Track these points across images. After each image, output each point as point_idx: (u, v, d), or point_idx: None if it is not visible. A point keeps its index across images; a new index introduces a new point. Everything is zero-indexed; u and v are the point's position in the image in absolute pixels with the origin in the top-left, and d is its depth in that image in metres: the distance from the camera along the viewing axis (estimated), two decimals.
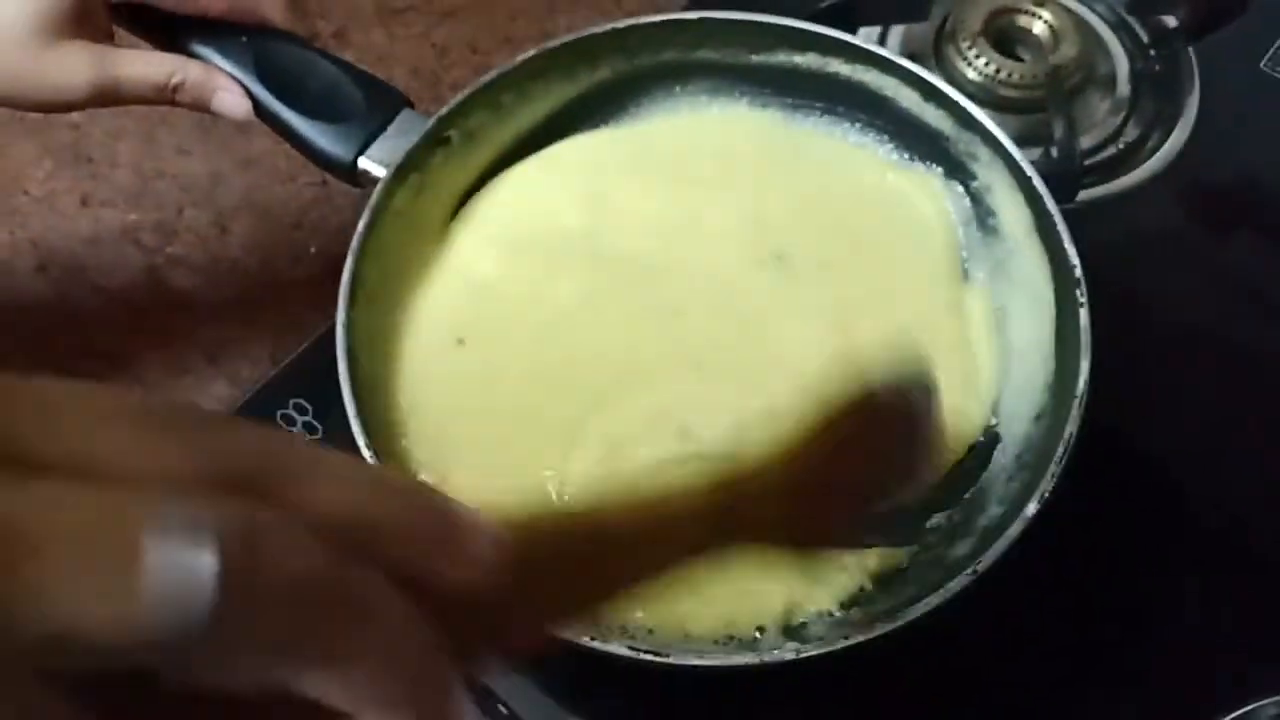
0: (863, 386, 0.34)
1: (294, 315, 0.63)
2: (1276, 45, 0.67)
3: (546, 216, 0.53)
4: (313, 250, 0.65)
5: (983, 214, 0.53)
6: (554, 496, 0.45)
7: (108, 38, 0.46)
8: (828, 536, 0.34)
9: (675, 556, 0.28)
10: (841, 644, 0.38)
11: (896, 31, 0.65)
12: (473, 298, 0.51)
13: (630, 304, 0.50)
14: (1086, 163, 0.60)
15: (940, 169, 0.54)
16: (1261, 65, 0.67)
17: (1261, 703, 0.46)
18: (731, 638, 0.43)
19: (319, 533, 0.18)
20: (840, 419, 0.33)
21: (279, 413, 0.55)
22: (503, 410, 0.47)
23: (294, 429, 0.54)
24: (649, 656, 0.38)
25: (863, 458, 0.33)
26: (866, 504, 0.34)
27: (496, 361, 0.49)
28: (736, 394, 0.47)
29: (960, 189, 0.54)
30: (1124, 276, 0.57)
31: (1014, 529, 0.40)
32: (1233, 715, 0.46)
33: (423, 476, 0.46)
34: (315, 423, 0.54)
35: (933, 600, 0.38)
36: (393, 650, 0.19)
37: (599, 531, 0.27)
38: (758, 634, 0.43)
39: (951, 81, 0.61)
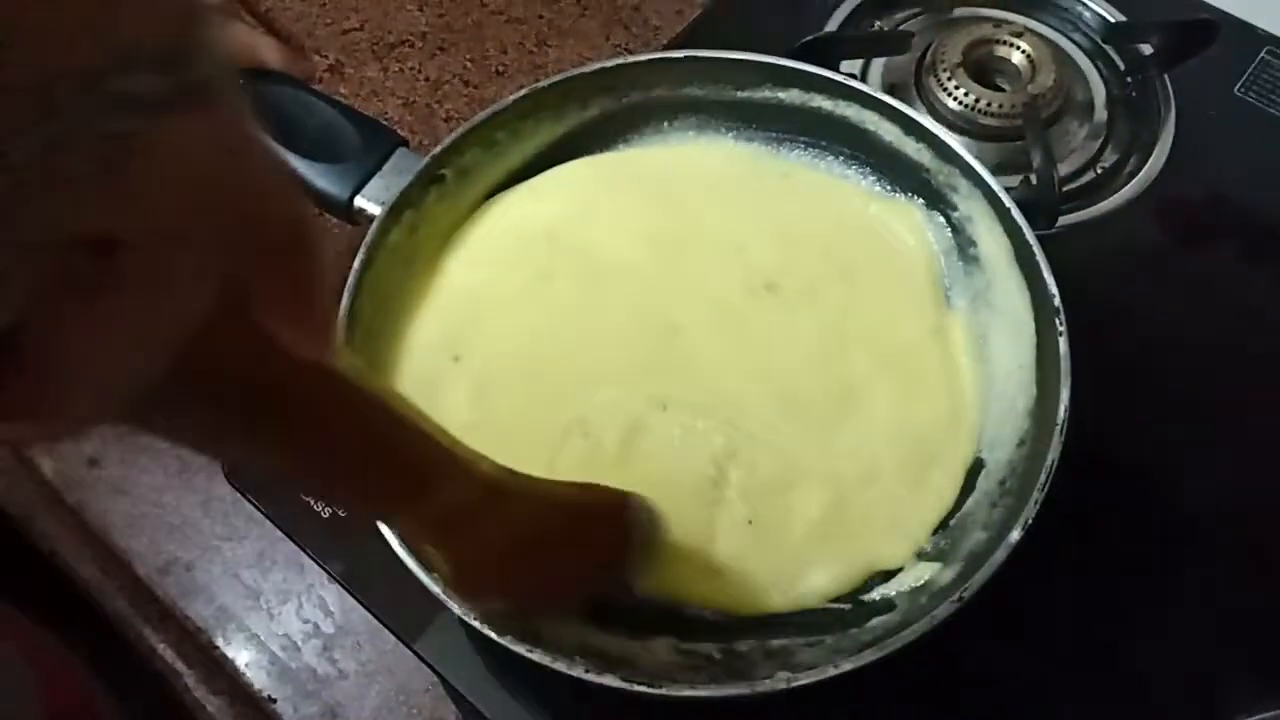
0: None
1: None
2: (1249, 71, 0.69)
3: (538, 231, 0.54)
4: None
5: (964, 243, 0.54)
6: None
7: None
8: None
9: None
10: (831, 672, 0.38)
11: (878, 65, 0.66)
12: (467, 313, 0.52)
13: (623, 313, 0.52)
14: (1066, 188, 0.61)
15: (922, 200, 0.55)
16: (1235, 91, 0.68)
17: (1248, 719, 0.47)
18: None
19: None
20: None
21: None
22: (497, 421, 0.48)
23: None
24: (641, 688, 0.39)
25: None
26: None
27: (490, 373, 0.50)
28: (724, 407, 0.48)
29: (941, 220, 0.55)
30: (1105, 298, 0.58)
31: (999, 555, 0.41)
32: None
33: None
34: None
35: (919, 627, 0.39)
36: None
37: None
38: None
39: (932, 112, 0.63)
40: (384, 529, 0.42)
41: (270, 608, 0.58)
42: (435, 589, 0.41)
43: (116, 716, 0.56)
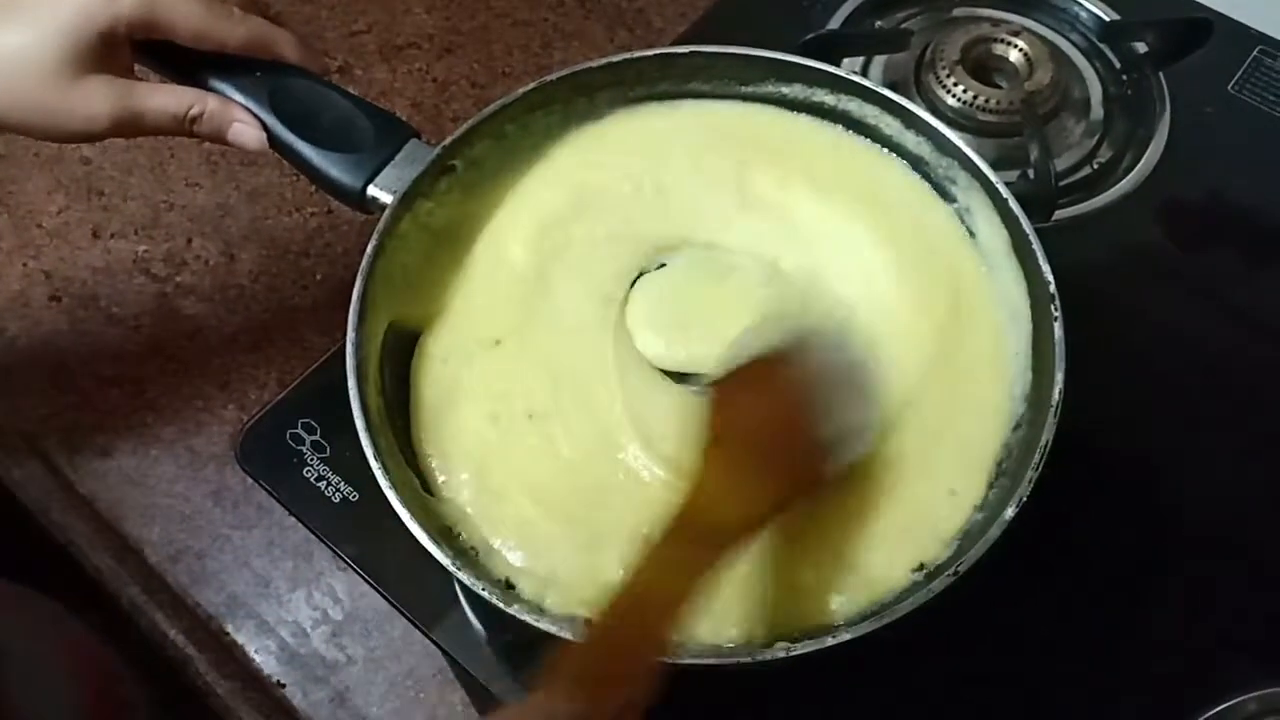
0: (770, 347, 0.41)
1: (301, 340, 0.65)
2: (1243, 70, 0.70)
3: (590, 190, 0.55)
4: (319, 277, 0.67)
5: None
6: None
7: (128, 72, 0.48)
8: (799, 480, 0.40)
9: (705, 571, 0.35)
10: (830, 642, 0.39)
11: (878, 62, 0.68)
12: (509, 297, 0.52)
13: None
14: (1062, 183, 0.62)
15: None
16: (1229, 88, 0.69)
17: (1241, 698, 0.48)
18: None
19: None
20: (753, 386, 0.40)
21: (288, 432, 0.56)
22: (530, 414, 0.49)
23: (303, 449, 0.56)
24: None
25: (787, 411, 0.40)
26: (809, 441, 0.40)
27: (533, 355, 0.51)
28: None
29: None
30: (1100, 290, 0.59)
31: (993, 532, 0.42)
32: (1213, 710, 0.48)
33: (445, 496, 0.48)
34: (324, 441, 0.56)
35: (916, 599, 0.40)
36: None
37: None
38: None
39: (931, 109, 0.64)
40: (400, 511, 0.43)
41: (280, 595, 0.58)
42: (449, 565, 0.42)
43: (142, 701, 0.57)
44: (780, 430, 0.40)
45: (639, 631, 0.34)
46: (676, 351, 0.51)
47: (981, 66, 0.66)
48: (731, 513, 0.37)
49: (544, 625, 0.40)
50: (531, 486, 0.47)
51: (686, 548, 0.36)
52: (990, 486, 0.47)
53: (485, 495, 0.47)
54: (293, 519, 0.57)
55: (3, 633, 0.51)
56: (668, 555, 0.36)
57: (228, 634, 0.57)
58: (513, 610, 0.40)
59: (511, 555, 0.46)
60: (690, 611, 0.35)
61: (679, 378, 0.51)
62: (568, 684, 0.33)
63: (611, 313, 0.52)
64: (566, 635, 0.40)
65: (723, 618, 0.43)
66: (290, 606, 0.57)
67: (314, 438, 0.55)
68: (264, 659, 0.56)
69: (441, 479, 0.48)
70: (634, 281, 0.54)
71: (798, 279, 0.53)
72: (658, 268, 0.54)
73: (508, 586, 0.45)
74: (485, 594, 0.41)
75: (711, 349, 0.47)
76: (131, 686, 0.58)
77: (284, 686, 0.55)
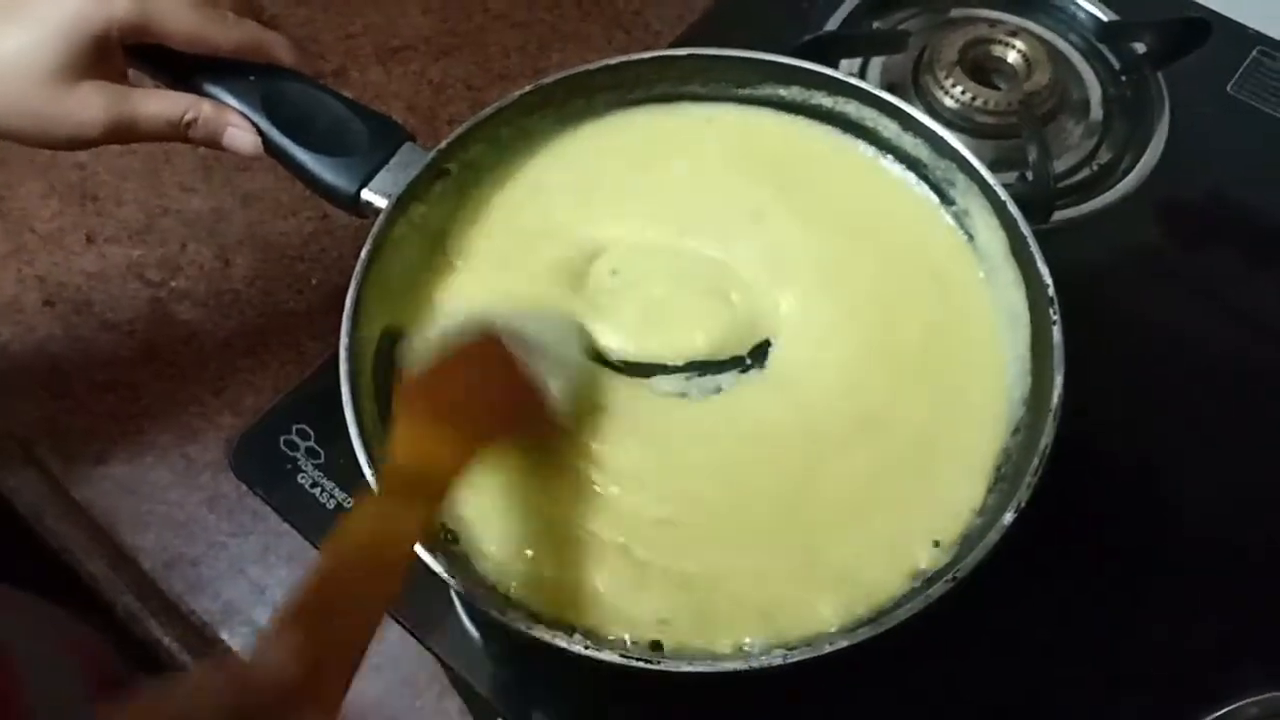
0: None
1: (296, 345, 0.65)
2: (1242, 69, 0.70)
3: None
4: (314, 282, 0.67)
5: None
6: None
7: (122, 78, 0.48)
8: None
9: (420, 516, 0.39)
10: (827, 649, 0.39)
11: (876, 63, 0.68)
12: (494, 300, 0.52)
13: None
14: (1061, 184, 0.62)
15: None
16: (1228, 89, 0.69)
17: (1241, 703, 0.47)
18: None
19: None
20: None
21: (282, 438, 0.56)
22: None
23: (297, 455, 0.56)
24: (639, 663, 0.39)
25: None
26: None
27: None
28: None
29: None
30: (1099, 292, 0.59)
31: (991, 537, 0.41)
32: (1214, 715, 0.47)
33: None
34: (318, 448, 0.55)
35: (914, 606, 0.40)
36: None
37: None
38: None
39: (929, 110, 0.64)
40: None
41: (275, 602, 0.58)
42: (443, 573, 0.41)
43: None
44: (462, 384, 0.44)
45: (362, 573, 0.35)
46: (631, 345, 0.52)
47: (979, 68, 0.65)
48: (430, 459, 0.41)
49: (537, 633, 0.40)
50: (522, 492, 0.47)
51: (399, 499, 0.39)
52: (989, 491, 0.47)
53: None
54: (288, 525, 0.56)
55: (10, 631, 0.51)
56: (383, 506, 0.39)
57: (223, 641, 0.57)
58: (506, 619, 0.40)
59: (506, 561, 0.45)
60: (407, 556, 0.38)
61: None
62: (287, 625, 0.33)
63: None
64: (561, 643, 0.39)
65: (720, 625, 0.42)
66: None
67: (308, 444, 0.55)
68: None
69: None
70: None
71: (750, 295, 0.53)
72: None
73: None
74: (478, 601, 0.40)
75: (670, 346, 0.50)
76: (132, 681, 0.57)
77: None
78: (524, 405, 0.46)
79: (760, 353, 0.52)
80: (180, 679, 0.31)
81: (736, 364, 0.51)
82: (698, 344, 0.51)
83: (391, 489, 0.40)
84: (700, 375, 0.51)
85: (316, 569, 0.35)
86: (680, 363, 0.51)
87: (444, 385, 0.44)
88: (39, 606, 0.56)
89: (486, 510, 0.47)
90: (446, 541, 0.46)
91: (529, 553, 0.45)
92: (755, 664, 0.39)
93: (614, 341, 0.51)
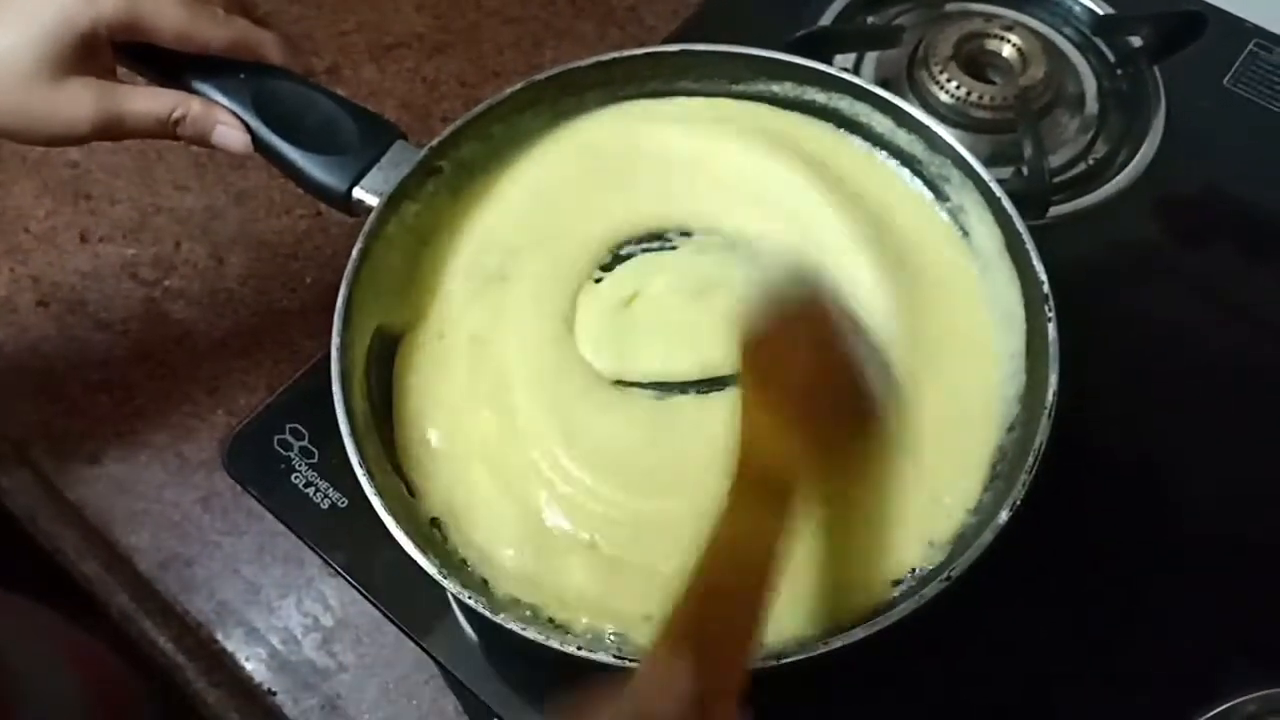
0: (788, 298, 0.40)
1: (290, 344, 0.64)
2: (1238, 63, 0.69)
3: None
4: (308, 280, 0.67)
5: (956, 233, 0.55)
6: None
7: (110, 74, 0.48)
8: (833, 428, 0.39)
9: (779, 528, 0.34)
10: (821, 649, 0.39)
11: (870, 58, 0.67)
12: (484, 298, 0.52)
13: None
14: (1057, 179, 0.62)
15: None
16: (1225, 82, 0.69)
17: (1240, 699, 0.47)
18: None
19: None
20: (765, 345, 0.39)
21: (275, 438, 0.56)
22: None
23: (291, 455, 0.56)
24: (634, 664, 0.39)
25: (805, 360, 0.39)
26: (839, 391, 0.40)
27: (502, 357, 0.50)
28: None
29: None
30: (1095, 287, 0.59)
31: (986, 536, 0.41)
32: (1213, 711, 0.47)
33: (428, 507, 0.47)
34: (312, 447, 0.55)
35: (908, 606, 0.40)
36: None
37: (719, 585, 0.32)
38: None
39: (924, 105, 0.63)
40: (385, 519, 0.42)
41: (270, 602, 0.58)
42: (436, 575, 0.41)
43: (144, 704, 0.57)
44: (815, 374, 0.39)
45: (736, 592, 0.32)
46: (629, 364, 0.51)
47: (974, 62, 0.65)
48: (787, 460, 0.36)
49: (530, 634, 0.39)
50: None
51: (757, 504, 0.35)
52: (985, 490, 0.46)
53: None
54: (283, 525, 0.56)
55: (8, 637, 0.51)
56: (742, 512, 0.35)
57: (217, 641, 0.57)
58: (499, 619, 0.40)
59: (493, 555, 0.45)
60: (779, 570, 0.33)
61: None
62: (678, 645, 0.31)
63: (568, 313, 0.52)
64: (554, 644, 0.39)
65: None
66: (280, 613, 0.57)
67: (302, 443, 0.55)
68: (254, 666, 0.56)
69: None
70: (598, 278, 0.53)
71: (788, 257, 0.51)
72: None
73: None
74: (471, 601, 0.40)
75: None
76: (133, 689, 0.57)
77: (274, 694, 0.55)
78: (851, 396, 0.40)
79: None
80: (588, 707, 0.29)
81: None
82: (715, 360, 0.50)
83: (753, 488, 0.35)
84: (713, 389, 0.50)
85: (691, 585, 0.32)
86: (692, 378, 0.50)
87: (794, 362, 0.39)
88: (38, 612, 0.56)
89: (474, 501, 0.46)
90: (437, 535, 0.46)
91: (509, 551, 0.45)
92: (749, 665, 0.39)
93: (619, 362, 0.50)
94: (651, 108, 0.57)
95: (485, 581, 0.45)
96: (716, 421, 0.47)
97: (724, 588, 0.32)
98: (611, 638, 0.43)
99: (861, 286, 0.50)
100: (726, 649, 0.31)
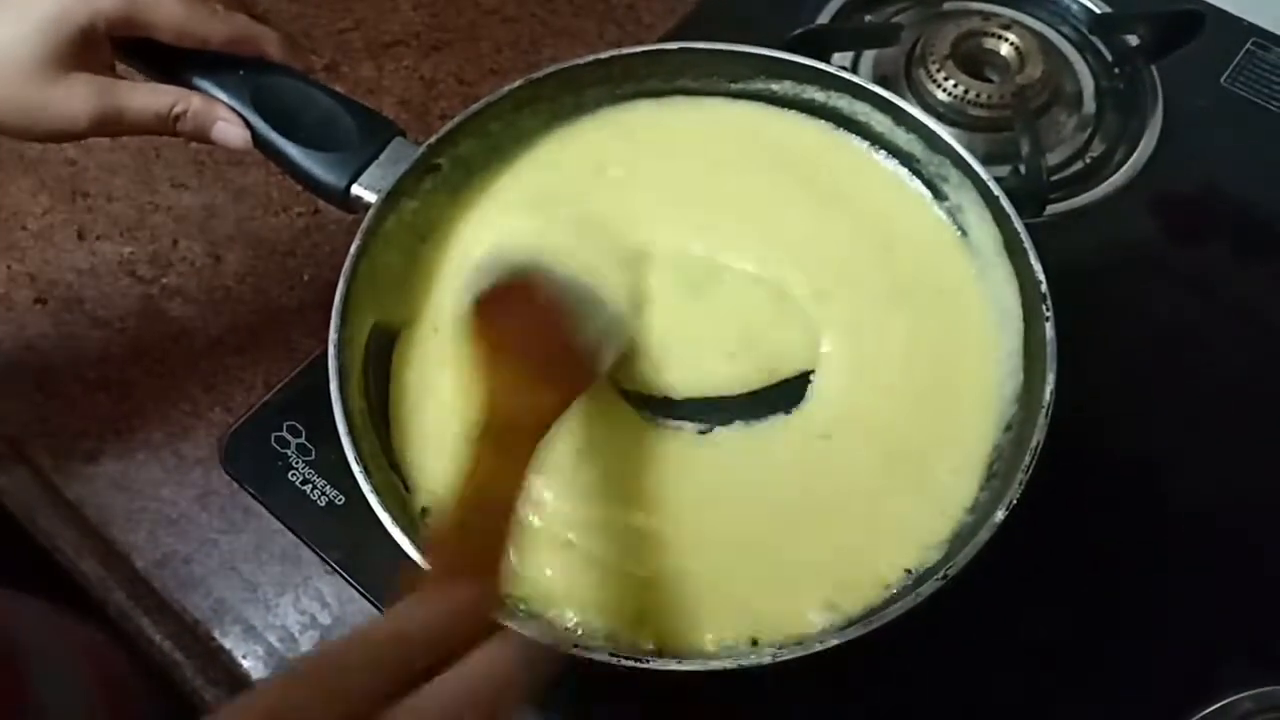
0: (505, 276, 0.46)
1: (288, 342, 0.64)
2: (1236, 62, 0.69)
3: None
4: (306, 278, 0.67)
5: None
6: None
7: (109, 70, 0.48)
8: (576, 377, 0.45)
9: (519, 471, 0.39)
10: (817, 647, 0.39)
11: (868, 57, 0.67)
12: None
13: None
14: (1054, 178, 0.62)
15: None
16: (1222, 81, 0.69)
17: (1236, 696, 0.47)
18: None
19: None
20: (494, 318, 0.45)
21: (273, 436, 0.56)
22: None
23: (288, 452, 0.56)
24: (629, 662, 0.39)
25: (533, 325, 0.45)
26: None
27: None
28: None
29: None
30: (1093, 285, 0.59)
31: (983, 535, 0.41)
32: (1209, 709, 0.47)
33: (420, 497, 0.47)
34: (309, 445, 0.55)
35: (904, 604, 0.40)
36: None
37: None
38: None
39: (922, 104, 0.63)
40: (382, 516, 0.42)
41: (267, 600, 0.58)
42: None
43: (147, 702, 0.57)
44: (541, 336, 0.45)
45: (487, 521, 0.37)
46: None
47: (972, 61, 0.65)
48: (527, 408, 0.41)
49: (525, 631, 0.39)
50: None
51: (504, 448, 0.39)
52: (981, 489, 0.46)
53: None
54: (280, 523, 0.56)
55: (14, 630, 0.51)
56: (491, 455, 0.39)
57: (215, 639, 0.56)
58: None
59: None
60: (519, 504, 0.38)
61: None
62: (436, 571, 0.35)
63: None
64: (548, 640, 0.39)
65: (708, 624, 0.42)
66: (278, 611, 0.57)
67: (299, 441, 0.55)
68: (252, 664, 0.56)
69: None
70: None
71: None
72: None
73: None
74: None
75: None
76: (138, 686, 0.57)
77: None
78: (574, 355, 0.46)
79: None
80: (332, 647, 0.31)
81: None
82: (718, 379, 0.50)
83: (500, 434, 0.40)
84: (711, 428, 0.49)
85: (450, 517, 0.37)
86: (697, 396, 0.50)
87: (517, 323, 0.44)
88: (50, 611, 0.56)
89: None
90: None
91: None
92: (745, 663, 0.39)
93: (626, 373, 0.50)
94: (651, 110, 0.57)
95: None
96: (707, 462, 0.48)
97: (478, 521, 0.37)
98: (609, 635, 0.43)
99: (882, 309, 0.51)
100: (480, 572, 0.35)
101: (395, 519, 0.42)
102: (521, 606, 0.44)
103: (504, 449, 0.39)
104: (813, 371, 0.50)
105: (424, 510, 0.47)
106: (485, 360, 0.43)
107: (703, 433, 0.49)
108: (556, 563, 0.45)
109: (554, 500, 0.46)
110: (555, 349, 0.45)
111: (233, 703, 0.29)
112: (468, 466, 0.38)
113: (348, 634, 0.31)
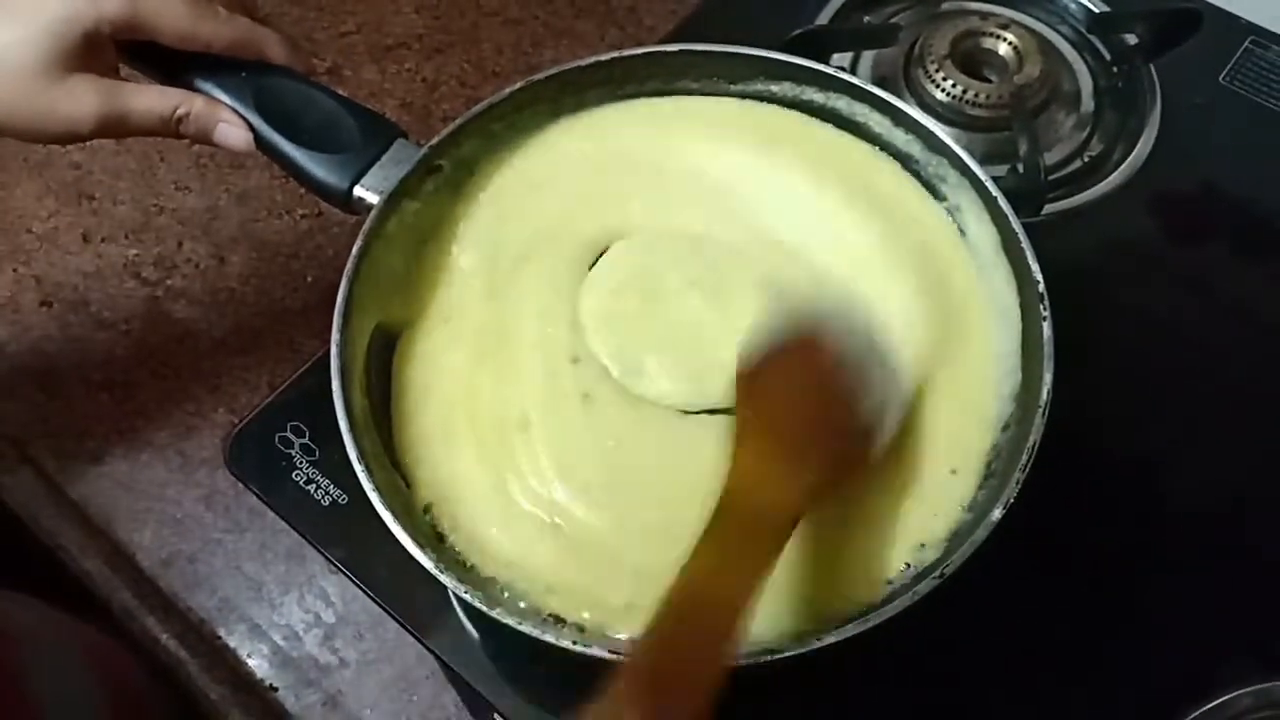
0: (791, 330, 0.40)
1: (292, 343, 0.65)
2: (1234, 60, 0.70)
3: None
4: (309, 279, 0.67)
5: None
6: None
7: (113, 73, 0.48)
8: (831, 464, 0.40)
9: (759, 564, 0.34)
10: (815, 645, 0.39)
11: (867, 57, 0.68)
12: (480, 296, 0.52)
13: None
14: (1053, 177, 0.62)
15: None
16: (1220, 79, 0.69)
17: (1235, 693, 0.48)
18: None
19: None
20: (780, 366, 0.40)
21: (277, 436, 0.56)
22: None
23: (292, 452, 0.56)
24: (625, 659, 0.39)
25: (814, 393, 0.40)
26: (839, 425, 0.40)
27: (499, 358, 0.50)
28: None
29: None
30: (1091, 284, 0.59)
31: (980, 533, 0.41)
32: (1208, 705, 0.47)
33: (422, 495, 0.48)
34: (313, 445, 0.55)
35: (902, 602, 0.40)
36: None
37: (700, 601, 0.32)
38: None
39: (920, 104, 0.64)
40: (383, 514, 0.43)
41: (272, 599, 0.58)
42: (434, 570, 0.42)
43: (158, 701, 0.57)
44: (811, 412, 0.40)
45: (702, 630, 0.32)
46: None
47: (970, 60, 0.65)
48: (772, 500, 0.37)
49: (526, 629, 0.40)
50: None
51: (736, 541, 0.35)
52: (979, 488, 0.47)
53: None
54: (284, 522, 0.57)
55: (21, 628, 0.51)
56: (720, 548, 0.35)
57: (219, 638, 0.57)
58: (494, 613, 0.40)
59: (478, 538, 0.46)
60: (750, 610, 0.33)
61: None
62: (633, 688, 0.31)
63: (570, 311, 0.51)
64: (550, 638, 0.40)
65: None
66: (282, 610, 0.57)
67: (303, 441, 0.55)
68: (256, 662, 0.56)
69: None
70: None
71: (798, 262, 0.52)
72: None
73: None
74: (467, 596, 0.41)
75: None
76: (145, 688, 0.58)
77: (276, 690, 0.55)
78: (848, 432, 0.40)
79: None
80: None
81: None
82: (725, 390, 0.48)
83: (733, 525, 0.35)
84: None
85: (657, 623, 0.32)
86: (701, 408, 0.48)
87: (791, 399, 0.39)
88: (55, 613, 0.56)
89: (459, 479, 0.47)
90: (427, 522, 0.46)
91: (493, 531, 0.46)
92: (742, 660, 0.39)
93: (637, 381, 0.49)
94: (655, 107, 0.57)
95: (473, 566, 0.45)
96: (711, 442, 0.46)
97: (690, 629, 0.32)
98: (605, 629, 0.43)
99: (891, 301, 0.50)
100: (685, 696, 0.31)
101: (397, 517, 0.42)
102: (506, 595, 0.44)
103: (739, 542, 0.34)
104: None
105: (426, 508, 0.47)
106: (741, 433, 0.38)
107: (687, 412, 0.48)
108: (542, 548, 0.45)
109: (542, 484, 0.46)
110: (827, 427, 0.39)
111: None
112: (690, 561, 0.33)
113: None
